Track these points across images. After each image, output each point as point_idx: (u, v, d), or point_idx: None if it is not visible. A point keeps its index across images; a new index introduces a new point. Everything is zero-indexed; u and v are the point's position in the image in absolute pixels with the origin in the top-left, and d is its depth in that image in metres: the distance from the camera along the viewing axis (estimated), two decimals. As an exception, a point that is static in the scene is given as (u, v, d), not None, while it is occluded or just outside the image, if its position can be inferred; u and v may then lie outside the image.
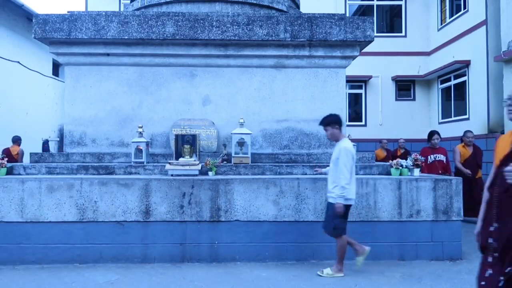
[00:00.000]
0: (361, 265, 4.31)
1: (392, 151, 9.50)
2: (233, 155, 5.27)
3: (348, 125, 7.58)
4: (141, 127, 5.24)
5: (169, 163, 5.00)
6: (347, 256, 4.70)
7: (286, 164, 5.32)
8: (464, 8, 11.82)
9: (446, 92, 13.05)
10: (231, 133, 5.30)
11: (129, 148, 5.52)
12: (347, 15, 12.16)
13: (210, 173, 5.03)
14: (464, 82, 11.84)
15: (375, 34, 6.01)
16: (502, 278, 2.35)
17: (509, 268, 2.33)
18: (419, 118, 13.41)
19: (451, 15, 12.59)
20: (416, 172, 5.21)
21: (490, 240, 2.45)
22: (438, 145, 7.11)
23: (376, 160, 7.55)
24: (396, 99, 13.71)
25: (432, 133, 7.16)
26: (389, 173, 5.23)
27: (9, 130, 11.36)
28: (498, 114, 10.31)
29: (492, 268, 2.45)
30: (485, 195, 2.64)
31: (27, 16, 11.97)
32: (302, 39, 5.56)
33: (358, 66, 11.41)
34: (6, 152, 7.91)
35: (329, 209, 4.25)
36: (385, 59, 13.32)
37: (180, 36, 5.46)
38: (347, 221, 4.25)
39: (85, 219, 4.58)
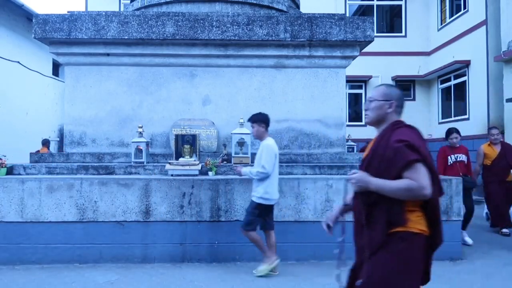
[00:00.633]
0: (260, 274, 4.16)
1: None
2: (233, 155, 5.27)
3: (348, 125, 7.57)
4: (141, 127, 5.24)
5: (169, 163, 5.00)
6: (347, 256, 4.69)
7: (286, 164, 5.32)
8: (464, 8, 11.82)
9: (446, 92, 13.05)
10: (231, 133, 5.30)
11: (129, 148, 5.52)
12: (347, 15, 12.16)
13: (210, 173, 5.03)
14: (464, 82, 11.85)
15: (375, 34, 6.01)
16: None
17: (359, 281, 2.30)
18: (419, 118, 13.39)
19: (451, 15, 12.59)
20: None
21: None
22: (458, 144, 5.99)
23: None
24: (396, 99, 13.69)
25: (450, 131, 6.03)
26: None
27: (9, 130, 11.36)
28: (498, 114, 10.31)
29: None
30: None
31: (27, 16, 11.96)
32: (302, 39, 5.56)
33: (358, 66, 11.41)
34: None
35: (249, 206, 4.28)
36: (385, 59, 13.32)
37: (180, 36, 5.46)
38: (273, 221, 4.36)
39: (85, 219, 4.58)
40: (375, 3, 14.06)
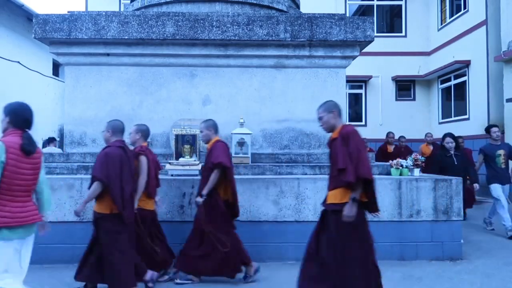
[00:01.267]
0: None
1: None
2: (233, 155, 5.26)
3: (348, 125, 7.60)
4: (141, 127, 5.23)
5: (169, 163, 5.00)
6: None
7: (286, 164, 5.32)
8: (464, 8, 11.82)
9: (446, 92, 13.05)
10: (231, 133, 5.30)
11: (129, 148, 5.51)
12: (347, 15, 12.16)
13: (210, 173, 5.02)
14: (464, 82, 11.85)
15: (375, 34, 6.00)
16: None
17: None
18: (419, 118, 13.41)
19: (451, 15, 12.59)
20: (416, 172, 5.22)
21: None
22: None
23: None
24: (396, 99, 13.71)
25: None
26: (389, 173, 5.23)
27: (9, 130, 11.34)
28: (498, 114, 10.31)
29: None
30: None
31: (27, 16, 11.96)
32: (302, 39, 5.56)
33: (358, 66, 11.39)
34: None
35: None
36: (385, 59, 13.32)
37: (180, 36, 5.46)
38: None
39: (85, 219, 4.57)
40: (375, 3, 14.05)
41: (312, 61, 5.81)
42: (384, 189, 4.78)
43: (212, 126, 4.24)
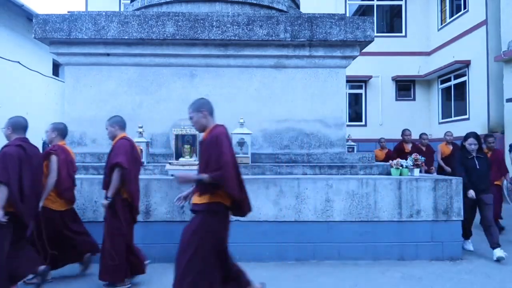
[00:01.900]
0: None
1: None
2: (233, 155, 5.26)
3: (348, 125, 7.54)
4: (141, 127, 5.24)
5: (169, 163, 5.00)
6: (347, 256, 4.71)
7: (286, 164, 5.32)
8: (464, 8, 11.82)
9: (446, 92, 13.05)
10: (231, 133, 5.29)
11: (129, 148, 5.51)
12: (347, 15, 12.16)
13: (210, 173, 5.02)
14: (464, 82, 11.85)
15: (375, 34, 6.00)
16: None
17: None
18: (419, 118, 13.40)
19: (451, 15, 12.59)
20: (416, 172, 5.22)
21: None
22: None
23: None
24: (396, 99, 13.71)
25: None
26: (389, 173, 5.23)
27: (9, 130, 11.34)
28: (498, 114, 10.32)
29: None
30: None
31: (27, 16, 11.96)
32: (302, 39, 5.56)
33: (358, 66, 11.40)
34: None
35: None
36: (385, 59, 13.32)
37: (180, 36, 5.46)
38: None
39: (85, 219, 4.57)
40: (375, 3, 14.05)
41: (312, 61, 5.81)
42: (384, 189, 4.78)
43: (117, 122, 4.07)
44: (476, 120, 11.01)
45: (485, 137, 6.46)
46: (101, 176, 4.82)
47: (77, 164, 5.21)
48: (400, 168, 5.15)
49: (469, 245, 5.36)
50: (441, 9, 13.16)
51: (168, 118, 5.70)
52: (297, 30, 5.55)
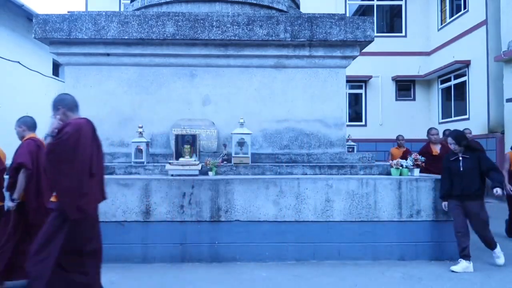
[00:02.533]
0: None
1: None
2: (233, 155, 5.27)
3: (348, 125, 7.54)
4: (141, 127, 5.24)
5: (169, 163, 5.00)
6: (347, 256, 4.71)
7: (286, 164, 5.32)
8: (464, 8, 11.83)
9: (446, 92, 13.06)
10: (231, 133, 5.30)
11: (129, 148, 5.51)
12: (347, 15, 12.16)
13: (210, 173, 5.03)
14: (464, 82, 11.85)
15: (375, 34, 6.00)
16: None
17: None
18: (419, 118, 13.41)
19: (451, 15, 12.60)
20: (416, 172, 5.21)
21: None
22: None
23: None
24: (396, 99, 13.72)
25: None
26: (389, 173, 5.23)
27: (9, 130, 11.34)
28: (498, 114, 10.32)
29: None
30: None
31: (27, 16, 11.96)
32: (302, 39, 5.56)
33: (358, 66, 11.41)
34: None
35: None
36: (385, 59, 13.33)
37: (180, 36, 5.46)
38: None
39: (85, 219, 4.57)
40: (375, 3, 14.06)
41: (312, 61, 5.81)
42: (384, 189, 4.78)
43: (24, 122, 4.00)
44: (476, 120, 11.02)
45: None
46: (101, 176, 4.84)
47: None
48: (400, 168, 5.15)
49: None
50: (441, 9, 13.17)
51: (168, 118, 5.71)
52: (297, 30, 5.55)
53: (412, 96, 13.82)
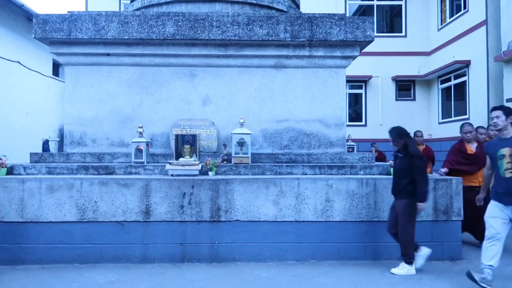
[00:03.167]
0: None
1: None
2: (233, 155, 5.27)
3: (348, 125, 7.54)
4: (141, 127, 5.24)
5: (169, 163, 5.00)
6: (347, 256, 4.71)
7: (286, 164, 5.32)
8: (464, 8, 11.83)
9: (446, 92, 13.06)
10: (231, 133, 5.30)
11: (129, 148, 5.52)
12: (347, 15, 12.16)
13: (210, 173, 5.03)
14: (464, 82, 11.85)
15: (375, 34, 6.01)
16: None
17: None
18: (419, 118, 13.41)
19: (451, 15, 12.60)
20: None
21: None
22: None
23: None
24: (396, 99, 13.72)
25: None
26: (389, 173, 5.23)
27: (9, 130, 11.36)
28: (498, 114, 10.29)
29: None
30: None
31: (27, 16, 11.96)
32: (302, 39, 5.56)
33: (358, 66, 11.41)
34: None
35: None
36: (385, 59, 13.33)
37: (180, 36, 5.46)
38: None
39: (85, 219, 4.58)
40: (375, 3, 14.06)
41: (312, 61, 5.81)
42: (384, 189, 4.78)
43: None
44: (476, 120, 11.01)
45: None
46: (102, 176, 4.85)
47: (77, 164, 5.23)
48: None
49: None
50: (441, 9, 13.17)
51: (168, 118, 5.71)
52: (297, 30, 5.55)
53: (412, 96, 13.82)
